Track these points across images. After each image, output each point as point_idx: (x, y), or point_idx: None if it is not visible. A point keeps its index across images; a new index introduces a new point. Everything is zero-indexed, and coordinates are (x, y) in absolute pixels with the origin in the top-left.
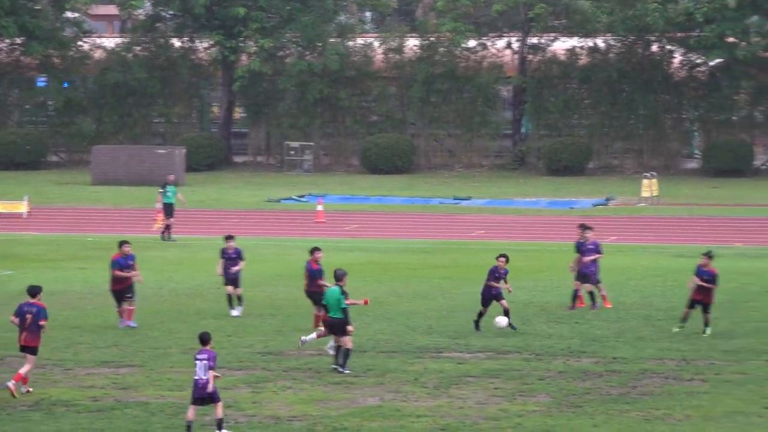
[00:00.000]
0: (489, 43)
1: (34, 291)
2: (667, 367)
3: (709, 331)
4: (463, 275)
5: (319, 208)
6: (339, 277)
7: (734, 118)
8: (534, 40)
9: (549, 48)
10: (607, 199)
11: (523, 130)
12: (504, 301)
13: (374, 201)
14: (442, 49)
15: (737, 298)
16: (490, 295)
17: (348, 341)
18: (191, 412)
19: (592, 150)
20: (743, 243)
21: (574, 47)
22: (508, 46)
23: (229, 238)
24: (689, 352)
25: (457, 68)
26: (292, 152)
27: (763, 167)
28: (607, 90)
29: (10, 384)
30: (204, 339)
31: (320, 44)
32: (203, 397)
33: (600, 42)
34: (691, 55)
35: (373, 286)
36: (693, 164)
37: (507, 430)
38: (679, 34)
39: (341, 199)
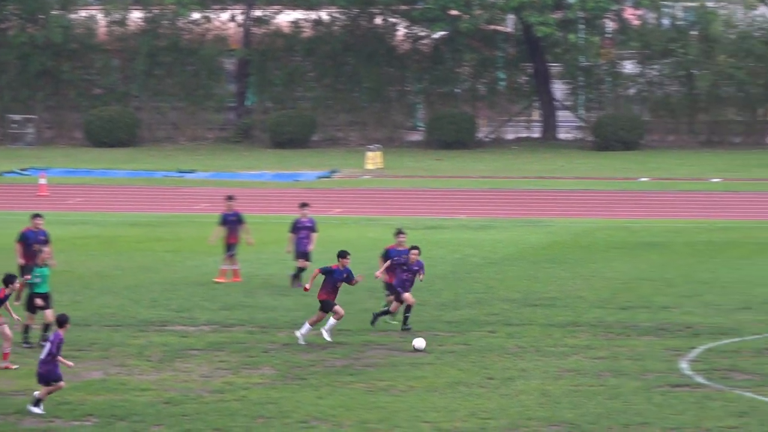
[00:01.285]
0: (213, 16)
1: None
2: (391, 339)
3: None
4: (188, 248)
5: (42, 181)
6: None
7: (457, 90)
8: (258, 13)
9: (273, 21)
10: (332, 172)
11: (247, 102)
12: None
13: (98, 174)
14: (165, 21)
15: (460, 269)
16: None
17: None
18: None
19: (316, 122)
20: (467, 215)
21: (298, 20)
22: (232, 18)
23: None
24: (413, 323)
25: (180, 41)
26: (14, 125)
27: (486, 139)
28: (332, 63)
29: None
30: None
31: (43, 16)
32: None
33: (324, 15)
34: (414, 27)
35: (98, 260)
36: (417, 136)
37: (231, 403)
38: (402, 7)
39: (64, 172)
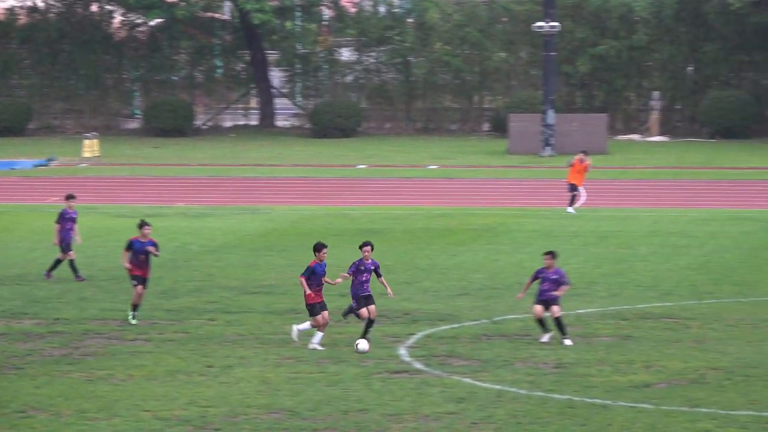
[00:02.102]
0: None
1: None
2: (110, 328)
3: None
4: None
5: None
6: None
7: (174, 78)
8: None
9: None
10: (49, 160)
11: None
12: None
13: None
14: None
15: (178, 257)
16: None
17: None
18: None
19: (32, 110)
20: (185, 203)
21: (13, 7)
22: None
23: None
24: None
25: None
26: None
27: (204, 127)
28: (48, 50)
29: None
30: None
31: None
32: None
33: (39, 2)
34: (130, 14)
35: None
36: (134, 124)
37: None
38: None
39: None
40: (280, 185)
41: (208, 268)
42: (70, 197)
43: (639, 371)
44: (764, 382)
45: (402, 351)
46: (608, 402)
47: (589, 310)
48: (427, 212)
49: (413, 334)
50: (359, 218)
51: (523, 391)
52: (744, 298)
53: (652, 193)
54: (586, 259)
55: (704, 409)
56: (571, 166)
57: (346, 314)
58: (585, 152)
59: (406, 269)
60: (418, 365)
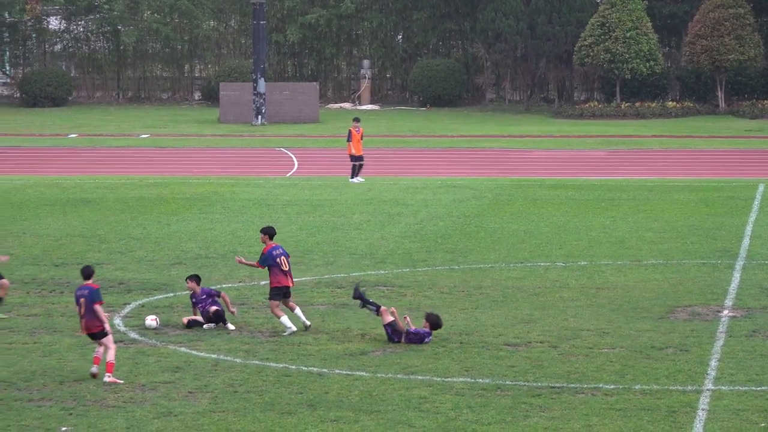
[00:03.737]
0: None
1: (88, 272)
2: None
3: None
4: None
5: None
6: None
7: None
8: None
9: None
10: None
11: None
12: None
13: None
14: None
15: None
16: None
17: None
18: None
19: None
20: None
21: None
22: None
23: None
24: None
25: None
26: None
27: None
28: None
29: (107, 378)
30: None
31: None
32: None
33: None
34: None
35: None
36: None
37: None
38: None
39: None
40: None
41: None
42: None
43: (354, 339)
44: (478, 349)
45: (117, 320)
46: (324, 370)
47: (304, 278)
48: (140, 181)
49: (128, 303)
50: (71, 188)
51: (239, 360)
52: (457, 265)
53: (365, 161)
54: (301, 228)
55: (420, 377)
56: (351, 138)
57: None
58: (357, 119)
59: (119, 239)
60: (134, 335)
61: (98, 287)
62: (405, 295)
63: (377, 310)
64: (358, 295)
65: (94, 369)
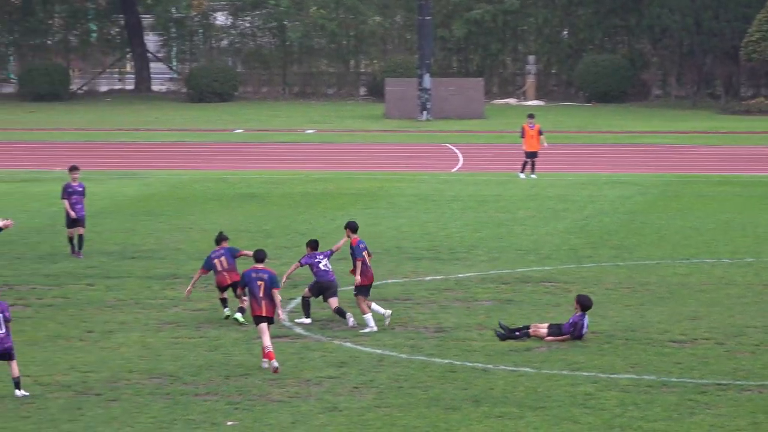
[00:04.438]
0: None
1: (261, 256)
2: None
3: None
4: None
5: None
6: None
7: (49, 42)
8: None
9: None
10: None
11: None
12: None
13: None
14: None
15: (57, 222)
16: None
17: None
18: None
19: None
20: (62, 168)
21: None
22: None
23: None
24: (11, 276)
25: None
26: None
27: (80, 91)
28: None
29: (274, 364)
30: None
31: None
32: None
33: None
34: None
35: None
36: (9, 89)
37: None
38: None
39: None
40: (158, 150)
41: (86, 233)
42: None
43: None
44: (643, 346)
45: (283, 315)
46: (489, 366)
47: (469, 274)
48: (306, 177)
49: (293, 298)
50: (237, 183)
51: (404, 356)
52: (622, 261)
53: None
54: (466, 224)
55: (585, 373)
56: (524, 134)
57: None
58: (531, 116)
59: (285, 234)
60: (299, 330)
61: (275, 273)
62: (570, 291)
63: (527, 332)
64: (505, 336)
65: (275, 363)
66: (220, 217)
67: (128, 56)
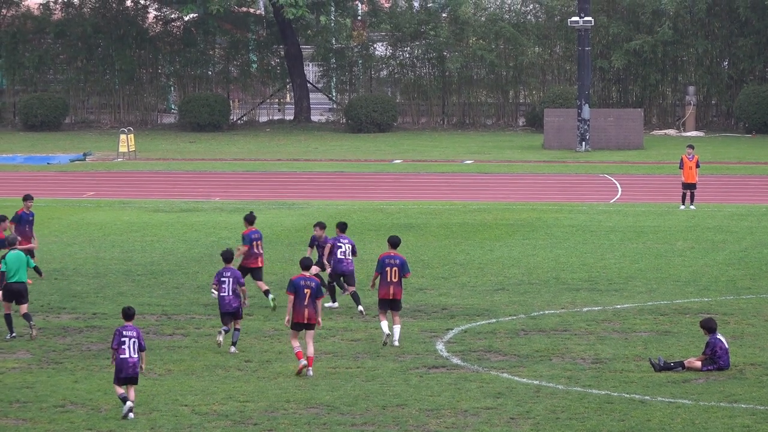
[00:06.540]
0: None
1: (307, 263)
2: (148, 322)
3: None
4: None
5: None
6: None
7: (210, 72)
8: None
9: (23, 3)
10: (85, 155)
11: None
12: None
13: None
14: None
15: (215, 252)
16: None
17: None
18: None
19: (68, 105)
20: (222, 198)
21: (48, 2)
22: None
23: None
24: (170, 306)
25: None
26: None
27: (239, 122)
28: (83, 45)
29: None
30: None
31: None
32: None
33: None
34: (165, 9)
35: None
36: (170, 119)
37: None
38: None
39: None
40: (316, 180)
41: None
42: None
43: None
44: None
45: (440, 346)
46: (647, 397)
47: (627, 305)
48: (464, 207)
49: (451, 329)
50: (395, 213)
51: (561, 387)
52: None
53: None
54: (624, 255)
55: (743, 405)
56: (682, 165)
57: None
58: (691, 146)
59: (443, 264)
60: (456, 360)
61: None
62: (728, 323)
63: (682, 366)
64: (662, 368)
65: (304, 362)
66: (378, 247)
67: (288, 86)
